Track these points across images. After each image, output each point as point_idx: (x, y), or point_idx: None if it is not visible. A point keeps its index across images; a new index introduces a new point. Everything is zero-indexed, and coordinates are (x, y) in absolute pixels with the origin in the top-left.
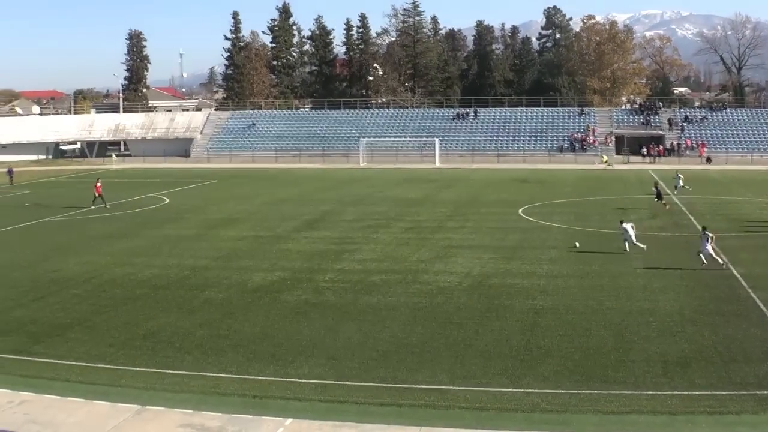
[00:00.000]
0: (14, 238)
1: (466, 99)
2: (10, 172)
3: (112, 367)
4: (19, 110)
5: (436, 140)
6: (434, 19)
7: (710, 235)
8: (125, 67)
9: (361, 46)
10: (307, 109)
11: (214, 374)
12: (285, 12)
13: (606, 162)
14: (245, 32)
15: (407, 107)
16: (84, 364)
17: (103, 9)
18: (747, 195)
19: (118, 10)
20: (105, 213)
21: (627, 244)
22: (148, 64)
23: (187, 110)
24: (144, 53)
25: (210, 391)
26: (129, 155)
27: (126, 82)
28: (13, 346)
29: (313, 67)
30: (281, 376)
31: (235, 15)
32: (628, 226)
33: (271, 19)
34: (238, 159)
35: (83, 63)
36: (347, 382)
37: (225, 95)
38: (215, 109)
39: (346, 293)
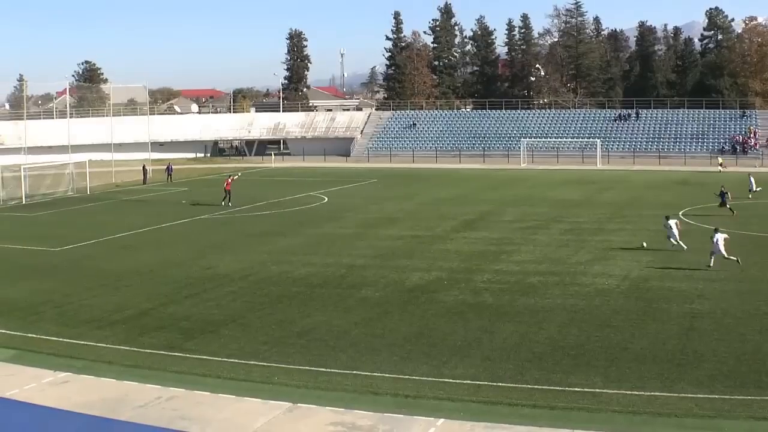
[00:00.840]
0: (171, 235)
1: (628, 100)
2: (168, 169)
3: (264, 364)
4: (177, 108)
5: (598, 141)
6: (596, 20)
7: (723, 235)
8: (285, 67)
9: (523, 47)
10: (468, 110)
11: (368, 373)
12: (447, 12)
13: (721, 164)
14: (407, 32)
15: (569, 108)
16: (236, 361)
17: (263, 9)
18: None
19: (278, 11)
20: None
21: (672, 240)
22: (309, 64)
23: (348, 110)
24: (304, 53)
25: (363, 389)
26: (288, 154)
27: (286, 81)
28: (164, 342)
29: (475, 68)
30: (435, 376)
31: (396, 15)
32: (672, 222)
33: (433, 20)
34: (398, 159)
35: (243, 63)
36: (501, 384)
37: (386, 95)
38: (376, 109)
39: (504, 294)
